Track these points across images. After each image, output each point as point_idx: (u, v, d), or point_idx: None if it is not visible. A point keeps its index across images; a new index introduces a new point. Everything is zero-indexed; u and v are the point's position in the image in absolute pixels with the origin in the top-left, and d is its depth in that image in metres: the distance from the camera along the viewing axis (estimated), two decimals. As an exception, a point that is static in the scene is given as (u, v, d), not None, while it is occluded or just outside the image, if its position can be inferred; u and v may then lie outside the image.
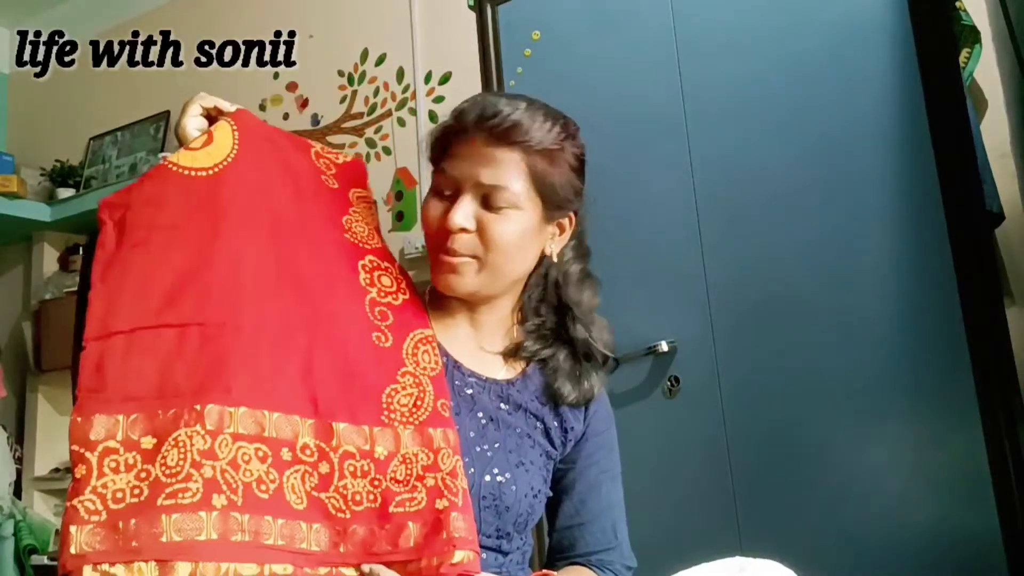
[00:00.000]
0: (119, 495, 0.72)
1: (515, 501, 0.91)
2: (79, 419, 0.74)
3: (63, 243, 2.95)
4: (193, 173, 0.87)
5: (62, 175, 2.94)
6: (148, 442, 0.74)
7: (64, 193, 2.91)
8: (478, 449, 0.92)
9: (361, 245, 0.95)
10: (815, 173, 1.80)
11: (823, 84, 1.81)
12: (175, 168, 0.87)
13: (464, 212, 0.90)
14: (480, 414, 0.94)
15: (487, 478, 0.90)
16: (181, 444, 0.73)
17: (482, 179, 0.90)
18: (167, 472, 0.72)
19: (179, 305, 0.80)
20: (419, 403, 0.85)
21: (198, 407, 0.75)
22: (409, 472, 0.81)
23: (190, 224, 0.84)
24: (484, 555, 0.87)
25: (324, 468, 0.79)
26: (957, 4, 1.65)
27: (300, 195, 0.93)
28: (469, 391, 0.95)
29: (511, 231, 0.91)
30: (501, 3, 2.28)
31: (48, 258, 2.94)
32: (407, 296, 0.94)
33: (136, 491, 0.72)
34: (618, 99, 2.04)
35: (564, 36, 2.16)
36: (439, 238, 0.92)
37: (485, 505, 0.89)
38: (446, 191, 0.93)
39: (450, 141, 0.93)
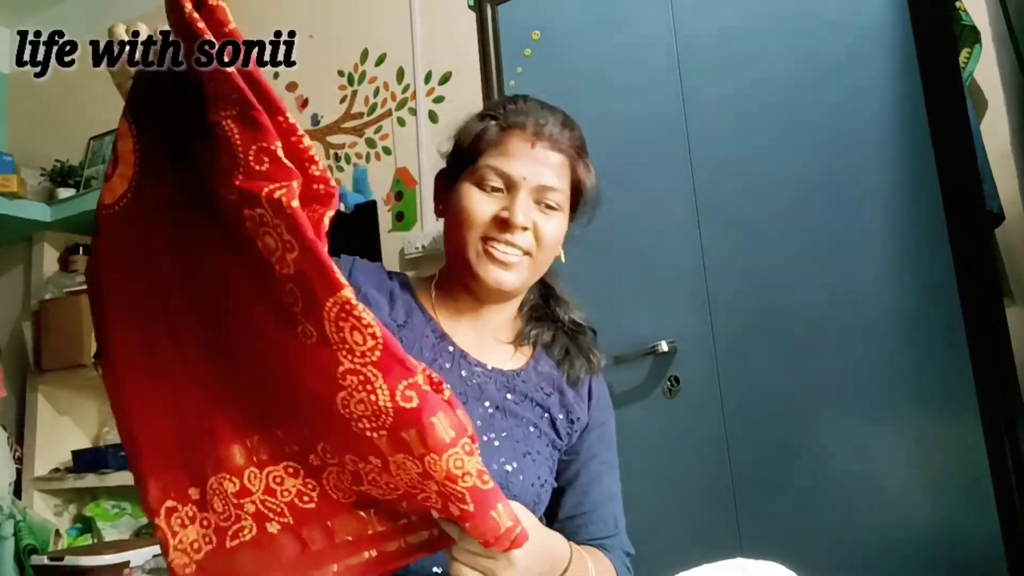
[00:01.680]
0: (196, 545, 0.76)
1: (522, 490, 0.92)
2: (140, 491, 0.79)
3: (63, 243, 2.94)
4: (118, 207, 0.78)
5: (62, 175, 2.94)
6: (195, 493, 0.77)
7: (64, 193, 2.90)
8: (485, 438, 0.93)
9: (237, 196, 0.66)
10: (815, 173, 1.80)
11: (823, 84, 1.81)
12: (105, 211, 0.78)
13: (527, 211, 0.94)
14: (487, 403, 0.96)
15: (494, 467, 0.91)
16: (219, 491, 0.76)
17: (542, 181, 0.94)
18: (221, 517, 0.76)
19: (160, 356, 0.79)
20: (376, 410, 0.68)
21: (217, 453, 0.77)
22: (410, 476, 0.72)
23: (139, 265, 0.79)
24: None
25: (350, 465, 0.76)
26: (957, 4, 1.65)
27: (199, 162, 0.75)
28: (476, 380, 0.97)
29: (558, 231, 0.97)
30: (501, 3, 2.28)
31: (48, 258, 2.93)
32: (295, 252, 0.65)
33: (207, 539, 0.76)
34: (618, 99, 2.04)
35: (564, 36, 2.16)
36: (490, 231, 0.94)
37: None
38: (493, 185, 0.95)
39: (504, 140, 0.95)
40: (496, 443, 0.93)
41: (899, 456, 1.66)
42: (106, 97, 3.33)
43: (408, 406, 0.68)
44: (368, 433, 0.69)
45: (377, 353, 0.67)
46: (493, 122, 0.96)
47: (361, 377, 0.67)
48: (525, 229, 0.94)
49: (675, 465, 1.88)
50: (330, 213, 0.70)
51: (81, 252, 2.87)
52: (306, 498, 0.76)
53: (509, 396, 0.98)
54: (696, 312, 1.90)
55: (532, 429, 0.97)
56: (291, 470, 0.77)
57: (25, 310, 2.97)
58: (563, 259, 1.03)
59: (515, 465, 0.93)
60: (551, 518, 1.02)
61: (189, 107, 0.72)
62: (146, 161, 0.78)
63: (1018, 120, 1.66)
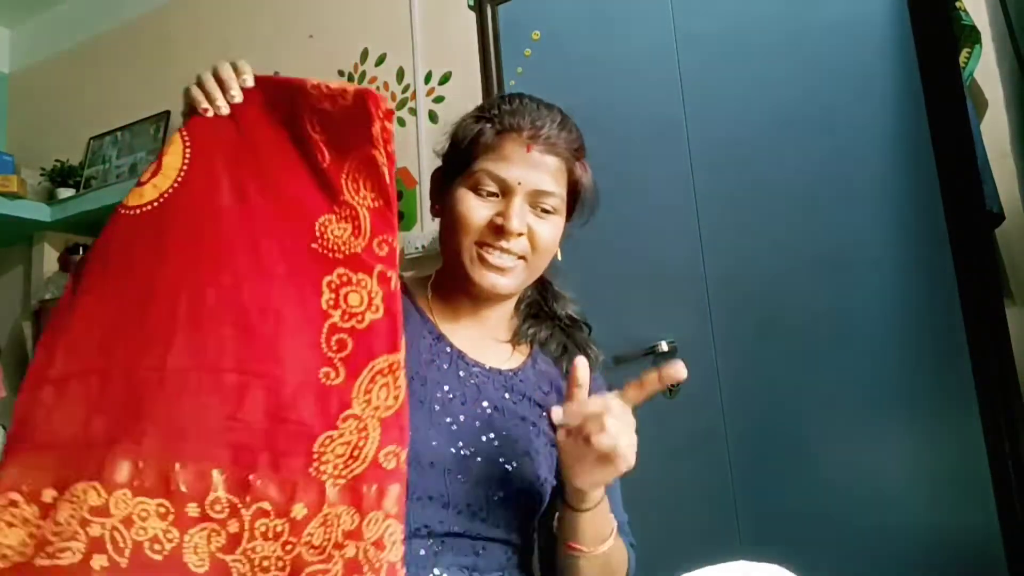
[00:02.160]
0: (7, 552, 0.69)
1: (523, 489, 0.92)
2: None
3: (63, 243, 2.94)
4: (139, 211, 0.82)
5: (62, 175, 2.94)
6: (48, 495, 0.71)
7: (64, 193, 2.90)
8: (484, 439, 0.93)
9: (332, 255, 0.83)
10: (815, 173, 1.80)
11: (823, 84, 1.81)
12: (124, 211, 0.82)
13: (522, 216, 0.93)
14: (485, 403, 0.96)
15: (494, 467, 0.91)
16: (75, 499, 0.70)
17: (538, 185, 0.93)
18: (54, 530, 0.69)
19: (111, 350, 0.76)
20: (356, 453, 0.75)
21: (105, 460, 0.71)
22: (327, 537, 0.73)
23: (134, 266, 0.80)
24: (493, 547, 0.90)
25: (233, 527, 0.72)
26: (957, 4, 1.65)
27: (262, 206, 0.84)
28: (474, 381, 0.97)
29: (553, 234, 0.97)
30: (501, 3, 2.28)
31: (48, 258, 2.93)
32: (378, 315, 0.81)
33: (23, 548, 0.69)
34: (618, 99, 2.04)
35: (564, 36, 2.16)
36: (485, 236, 0.94)
37: (492, 495, 0.90)
38: (488, 190, 0.94)
39: (499, 143, 0.94)
40: (496, 443, 0.93)
41: (899, 456, 1.66)
42: (106, 97, 3.32)
43: (385, 466, 0.76)
44: (323, 478, 0.74)
45: (389, 412, 0.77)
46: (488, 124, 0.95)
47: (361, 424, 0.76)
48: (520, 235, 0.93)
49: (675, 465, 1.88)
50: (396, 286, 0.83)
51: (81, 252, 2.86)
52: (157, 547, 0.70)
53: (507, 396, 0.98)
54: (696, 312, 1.90)
55: (531, 428, 0.97)
56: (162, 510, 0.71)
57: (25, 310, 2.97)
58: (560, 257, 1.03)
59: (515, 464, 0.93)
60: (553, 515, 1.02)
61: (278, 158, 0.85)
62: (191, 184, 0.82)
63: (1018, 120, 1.66)
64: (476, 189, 0.94)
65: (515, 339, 1.03)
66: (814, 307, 1.77)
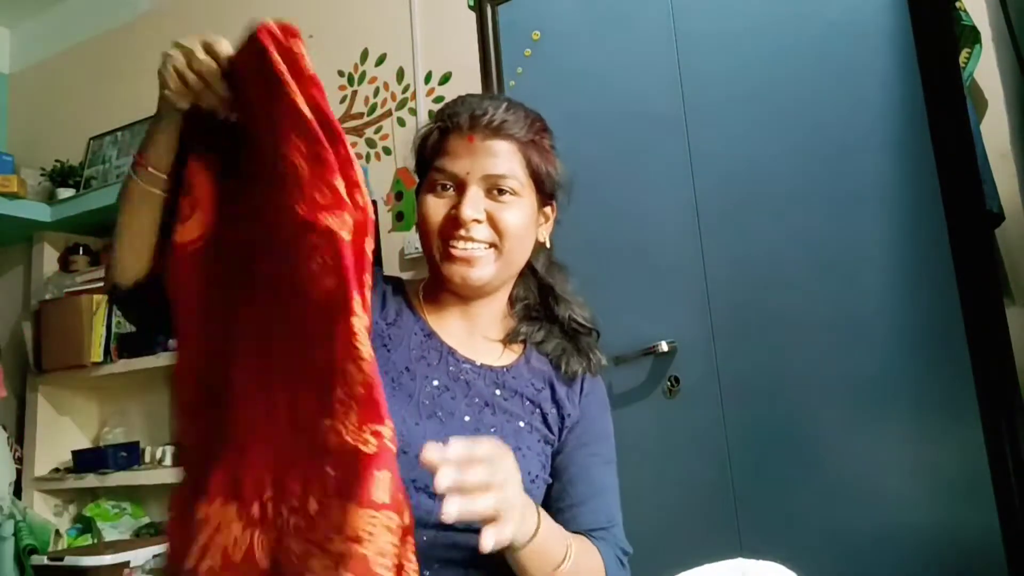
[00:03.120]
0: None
1: None
2: (241, 476, 0.81)
3: (63, 243, 2.94)
4: (189, 249, 0.85)
5: (62, 175, 2.94)
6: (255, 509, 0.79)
7: (64, 193, 2.90)
8: (474, 433, 0.93)
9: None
10: (815, 173, 1.80)
11: (823, 84, 1.81)
12: (181, 247, 0.85)
13: (475, 204, 0.94)
14: (476, 399, 0.96)
15: None
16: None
17: (487, 170, 0.94)
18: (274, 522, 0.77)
19: (217, 398, 0.83)
20: (342, 445, 0.76)
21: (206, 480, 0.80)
22: (329, 523, 0.76)
23: (209, 305, 0.85)
24: None
25: (287, 513, 0.78)
26: (957, 4, 1.65)
27: (280, 250, 0.81)
28: (464, 377, 0.97)
29: (519, 217, 0.96)
30: (501, 3, 2.28)
31: (48, 258, 2.93)
32: (332, 275, 0.73)
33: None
34: (618, 98, 2.04)
35: (564, 36, 2.16)
36: (447, 232, 0.95)
37: None
38: (445, 187, 0.96)
39: (444, 141, 0.97)
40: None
41: (899, 456, 1.66)
42: (106, 97, 3.32)
43: (365, 449, 0.69)
44: (329, 469, 0.71)
45: (361, 390, 0.69)
46: (435, 127, 0.99)
47: (347, 407, 0.71)
48: (478, 222, 0.94)
49: (675, 465, 1.88)
50: (369, 242, 0.73)
51: (81, 252, 2.87)
52: (236, 549, 0.77)
53: (498, 392, 0.98)
54: (696, 312, 1.90)
55: (522, 424, 0.97)
56: (237, 513, 0.79)
57: (25, 310, 2.97)
58: (548, 245, 1.04)
59: None
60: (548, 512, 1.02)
61: (232, 140, 0.82)
62: (223, 205, 0.84)
63: (1018, 120, 1.66)
64: (433, 189, 0.97)
65: (507, 338, 1.04)
66: (814, 306, 1.77)
